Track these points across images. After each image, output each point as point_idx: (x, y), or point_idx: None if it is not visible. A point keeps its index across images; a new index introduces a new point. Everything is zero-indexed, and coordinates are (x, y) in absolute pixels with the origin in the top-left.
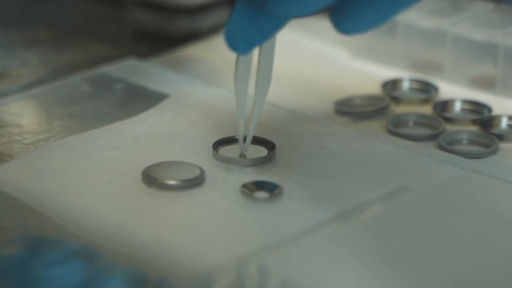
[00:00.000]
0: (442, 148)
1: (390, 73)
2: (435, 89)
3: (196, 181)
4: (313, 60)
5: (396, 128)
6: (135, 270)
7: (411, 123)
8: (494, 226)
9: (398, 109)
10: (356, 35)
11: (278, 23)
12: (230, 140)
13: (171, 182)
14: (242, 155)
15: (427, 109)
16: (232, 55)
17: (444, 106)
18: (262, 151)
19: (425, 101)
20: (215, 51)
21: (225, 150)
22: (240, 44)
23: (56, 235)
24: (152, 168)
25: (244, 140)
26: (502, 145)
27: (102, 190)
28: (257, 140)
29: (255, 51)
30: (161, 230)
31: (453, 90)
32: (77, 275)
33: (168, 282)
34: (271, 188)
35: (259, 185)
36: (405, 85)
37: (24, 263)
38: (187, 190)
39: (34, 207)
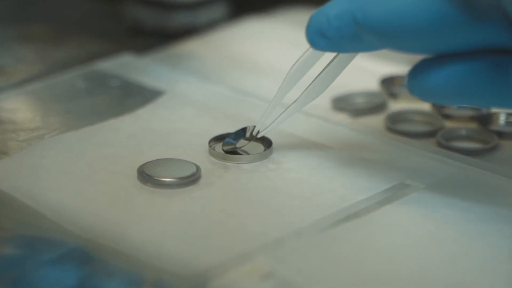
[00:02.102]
0: (440, 145)
1: (388, 69)
2: None
3: (192, 179)
4: None
5: (394, 125)
6: (131, 270)
7: (409, 120)
8: (493, 223)
9: (397, 106)
10: None
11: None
12: (226, 137)
13: (167, 180)
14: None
15: (425, 106)
16: (228, 52)
17: None
18: (259, 148)
19: None
20: (212, 48)
21: (221, 147)
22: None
23: (51, 233)
24: (147, 165)
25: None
26: (501, 141)
27: (97, 187)
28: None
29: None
30: (157, 228)
31: None
32: (72, 275)
33: (164, 282)
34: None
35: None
36: (404, 81)
37: (19, 262)
38: (183, 187)
39: (28, 205)
